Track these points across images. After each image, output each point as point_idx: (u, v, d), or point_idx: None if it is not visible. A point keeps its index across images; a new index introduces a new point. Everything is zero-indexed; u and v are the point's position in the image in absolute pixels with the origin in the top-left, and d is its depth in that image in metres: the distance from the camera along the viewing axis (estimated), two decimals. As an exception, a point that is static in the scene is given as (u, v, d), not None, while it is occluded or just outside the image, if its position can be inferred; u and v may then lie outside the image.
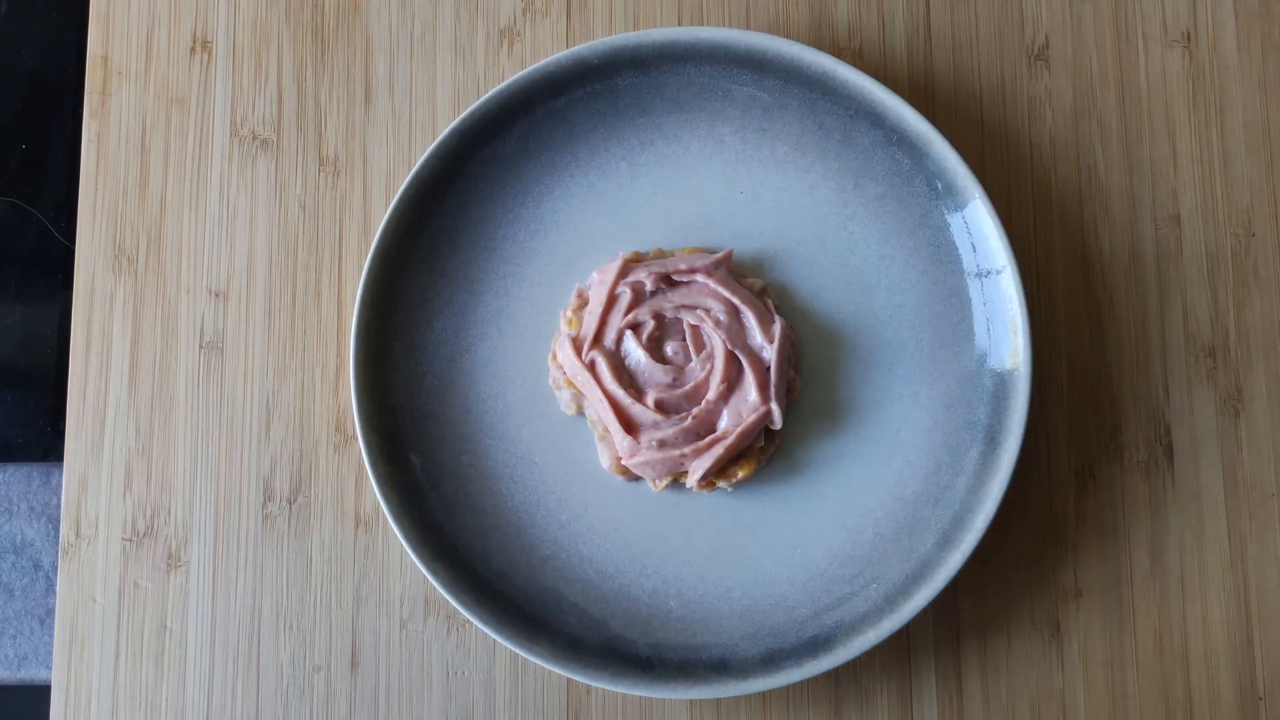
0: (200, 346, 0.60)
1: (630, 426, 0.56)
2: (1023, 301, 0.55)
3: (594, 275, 0.58)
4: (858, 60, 0.61)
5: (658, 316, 0.57)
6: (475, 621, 0.54)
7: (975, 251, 0.57)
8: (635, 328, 0.57)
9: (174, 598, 0.58)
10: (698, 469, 0.55)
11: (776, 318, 0.57)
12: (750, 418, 0.55)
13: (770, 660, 0.55)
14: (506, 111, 0.58)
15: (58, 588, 0.58)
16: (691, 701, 0.57)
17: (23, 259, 0.63)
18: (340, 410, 0.59)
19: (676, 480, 0.57)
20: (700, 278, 0.57)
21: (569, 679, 0.57)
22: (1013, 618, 0.58)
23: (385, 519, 0.58)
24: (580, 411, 0.57)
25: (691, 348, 0.57)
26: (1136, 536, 0.58)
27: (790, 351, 0.57)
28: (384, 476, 0.55)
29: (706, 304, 0.56)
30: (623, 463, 0.56)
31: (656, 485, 0.57)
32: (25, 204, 0.63)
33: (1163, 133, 0.61)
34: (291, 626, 0.58)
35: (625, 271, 0.57)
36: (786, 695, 0.57)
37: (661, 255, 0.58)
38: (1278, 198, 0.61)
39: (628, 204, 0.59)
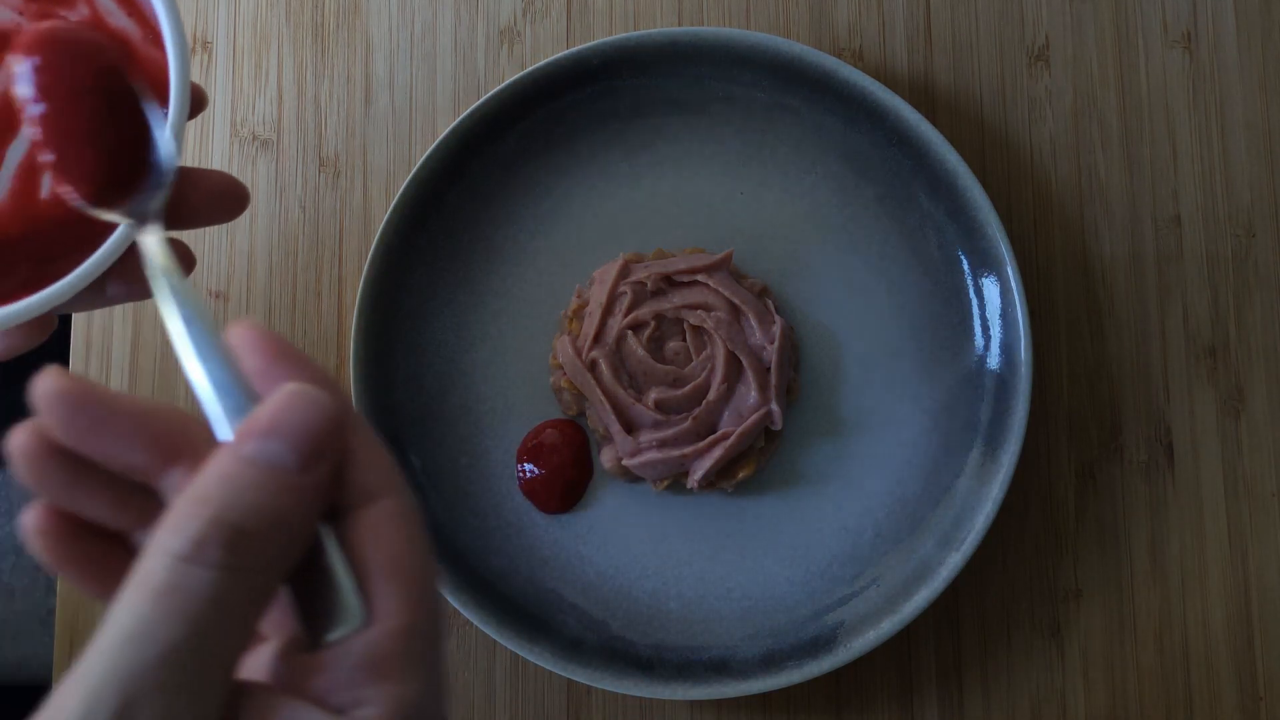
0: (200, 347, 0.60)
1: (631, 427, 0.56)
2: (1023, 301, 0.55)
3: (594, 276, 0.58)
4: (858, 60, 0.61)
5: (658, 317, 0.57)
6: (475, 621, 0.54)
7: (975, 252, 0.57)
8: (636, 328, 0.56)
9: (174, 598, 0.58)
10: (698, 469, 0.55)
11: (777, 318, 0.57)
12: (751, 418, 0.55)
13: (770, 660, 0.55)
14: (506, 112, 0.57)
15: (58, 589, 0.58)
16: (691, 702, 0.57)
17: (23, 259, 0.63)
18: (340, 411, 0.59)
19: (677, 481, 0.57)
20: (701, 278, 0.57)
21: (569, 679, 0.57)
22: (1013, 618, 0.58)
23: (385, 519, 0.58)
24: (580, 412, 0.57)
25: (692, 348, 0.57)
26: (1136, 536, 0.58)
27: (790, 352, 0.57)
28: (384, 477, 0.55)
29: (707, 304, 0.56)
30: (623, 463, 0.56)
31: (657, 486, 0.57)
32: (25, 204, 0.63)
33: (1163, 133, 0.61)
34: (292, 627, 0.58)
35: (625, 272, 0.57)
36: (786, 695, 0.57)
37: (662, 256, 0.58)
38: (1278, 198, 0.61)
39: (628, 205, 0.59)
